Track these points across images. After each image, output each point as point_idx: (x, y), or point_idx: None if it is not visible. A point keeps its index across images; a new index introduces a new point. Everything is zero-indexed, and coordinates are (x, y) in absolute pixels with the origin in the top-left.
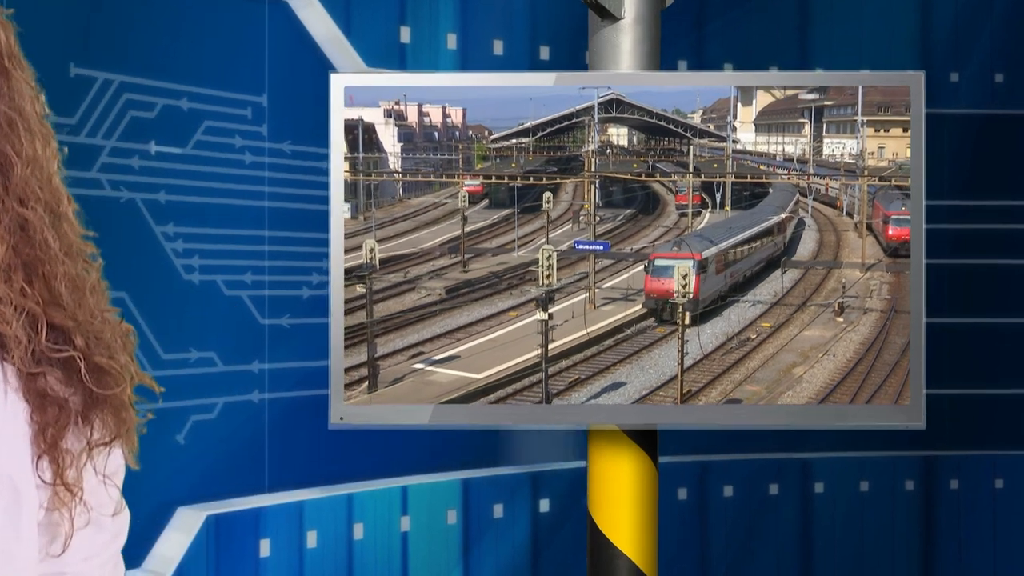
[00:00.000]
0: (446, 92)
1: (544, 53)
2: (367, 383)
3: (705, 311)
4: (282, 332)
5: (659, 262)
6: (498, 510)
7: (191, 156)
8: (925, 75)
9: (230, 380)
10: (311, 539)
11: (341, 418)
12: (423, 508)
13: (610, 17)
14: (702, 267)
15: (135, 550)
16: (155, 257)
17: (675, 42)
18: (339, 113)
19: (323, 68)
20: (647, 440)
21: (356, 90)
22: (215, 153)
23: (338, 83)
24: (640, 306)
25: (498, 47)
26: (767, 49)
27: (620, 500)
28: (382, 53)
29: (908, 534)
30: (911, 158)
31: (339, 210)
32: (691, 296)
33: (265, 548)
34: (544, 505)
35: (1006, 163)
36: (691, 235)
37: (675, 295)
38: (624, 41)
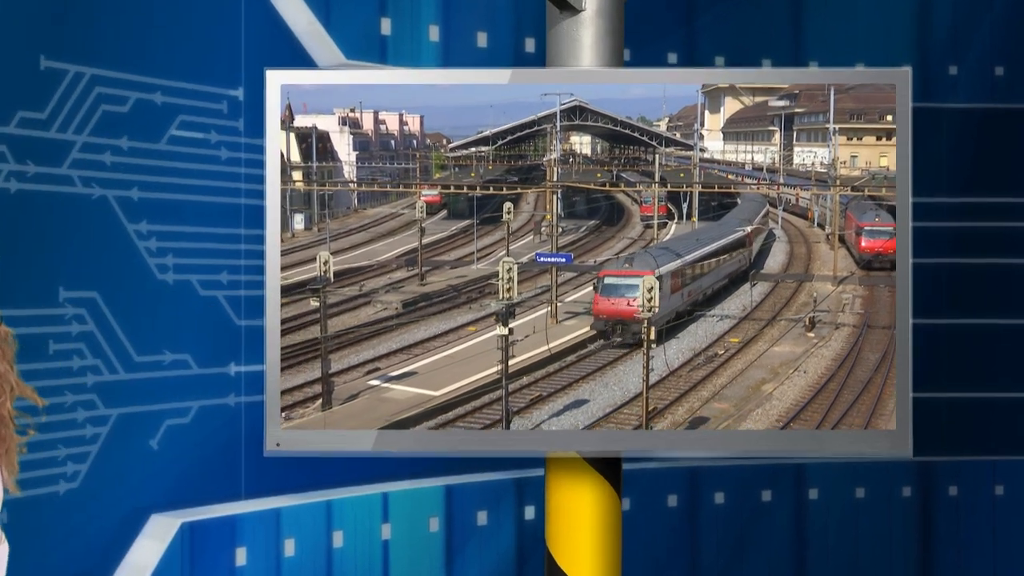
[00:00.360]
0: (396, 91)
1: (530, 45)
2: (321, 400)
3: (671, 326)
4: (259, 333)
5: (609, 280)
6: (482, 517)
7: (165, 152)
8: (922, 68)
9: (205, 383)
10: (289, 547)
11: (277, 444)
12: (404, 515)
13: (570, 9)
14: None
15: (107, 558)
16: (127, 256)
17: (665, 36)
18: (275, 113)
19: (302, 61)
20: (610, 468)
21: (301, 92)
22: (190, 149)
23: (274, 80)
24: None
25: (482, 39)
26: (760, 43)
27: (580, 534)
28: (362, 46)
29: (905, 542)
30: (897, 157)
31: (275, 220)
32: (653, 313)
33: (241, 556)
34: (530, 512)
35: (1007, 159)
36: (644, 251)
37: (640, 311)
38: (585, 35)
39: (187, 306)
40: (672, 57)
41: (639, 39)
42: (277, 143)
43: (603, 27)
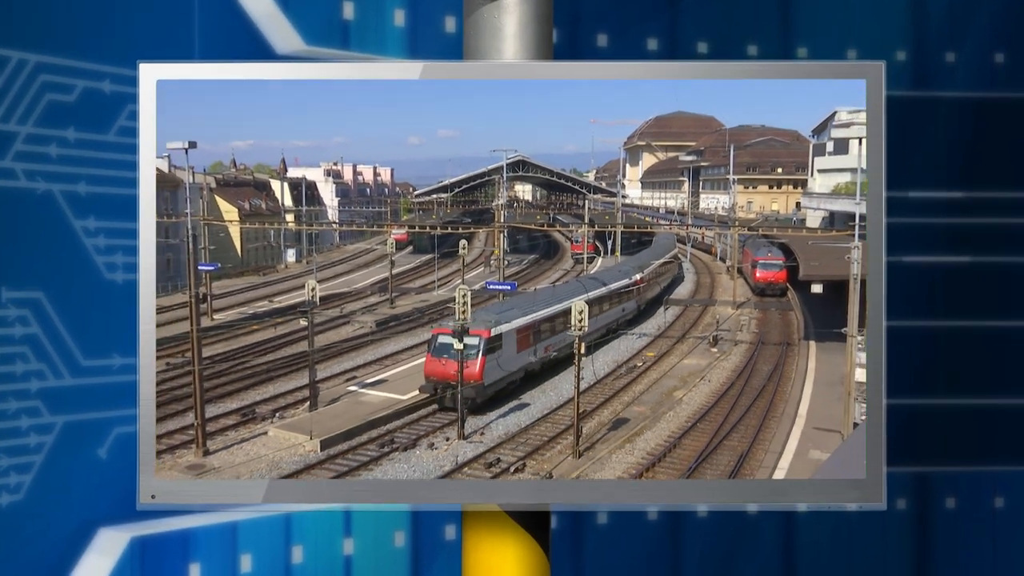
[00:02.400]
0: (364, 144)
1: None
2: (309, 403)
3: (597, 342)
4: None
5: (442, 339)
6: (450, 531)
7: (114, 143)
8: (918, 55)
9: None
10: (245, 563)
11: (152, 496)
12: (368, 529)
13: None
14: (491, 346)
15: (53, 575)
16: (74, 254)
17: (647, 20)
18: (150, 110)
19: (259, 49)
20: (537, 524)
21: (293, 148)
22: None
23: (149, 74)
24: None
25: (450, 24)
26: (745, 27)
27: None
28: (323, 31)
29: (900, 558)
30: (868, 153)
31: (150, 235)
32: (587, 330)
33: (195, 573)
34: None
35: (1009, 151)
36: (486, 308)
37: (477, 377)
38: (508, 23)
39: (137, 307)
40: (652, 43)
41: (619, 24)
42: (152, 140)
43: (529, 13)
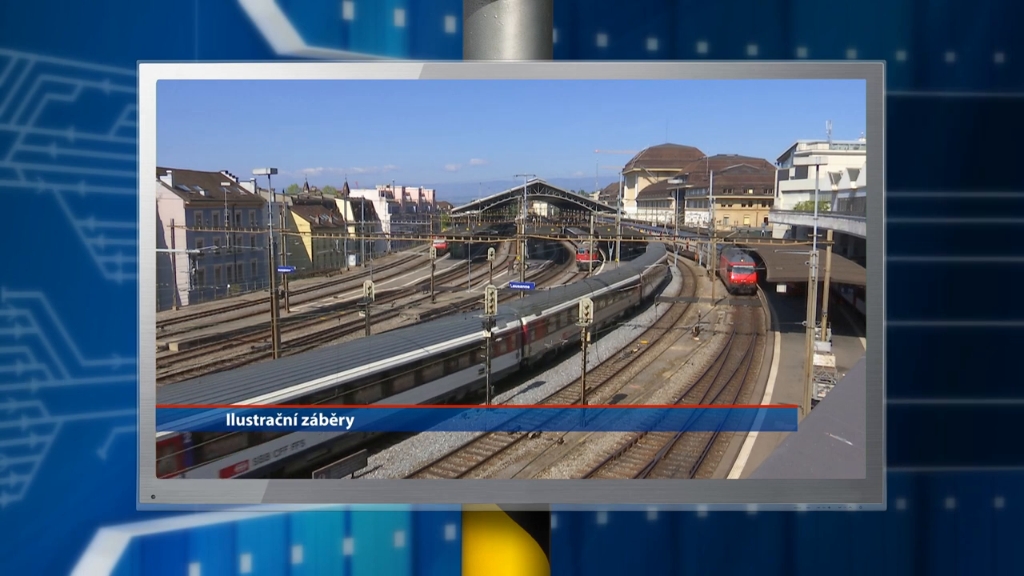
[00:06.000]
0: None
1: None
2: None
3: (600, 332)
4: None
5: None
6: (450, 531)
7: (114, 143)
8: (917, 54)
9: None
10: (245, 563)
11: (152, 496)
12: (368, 529)
13: None
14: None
15: (52, 575)
16: (74, 254)
17: (646, 19)
18: (150, 110)
19: (259, 49)
20: (537, 524)
21: (352, 175)
22: None
23: (149, 74)
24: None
25: (450, 24)
26: (746, 26)
27: None
28: (323, 31)
29: (899, 558)
30: (868, 153)
31: (150, 235)
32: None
33: (195, 573)
34: None
35: (1009, 151)
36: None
37: None
38: (508, 23)
39: (137, 307)
40: (652, 43)
41: (618, 24)
42: (152, 140)
43: (529, 13)
